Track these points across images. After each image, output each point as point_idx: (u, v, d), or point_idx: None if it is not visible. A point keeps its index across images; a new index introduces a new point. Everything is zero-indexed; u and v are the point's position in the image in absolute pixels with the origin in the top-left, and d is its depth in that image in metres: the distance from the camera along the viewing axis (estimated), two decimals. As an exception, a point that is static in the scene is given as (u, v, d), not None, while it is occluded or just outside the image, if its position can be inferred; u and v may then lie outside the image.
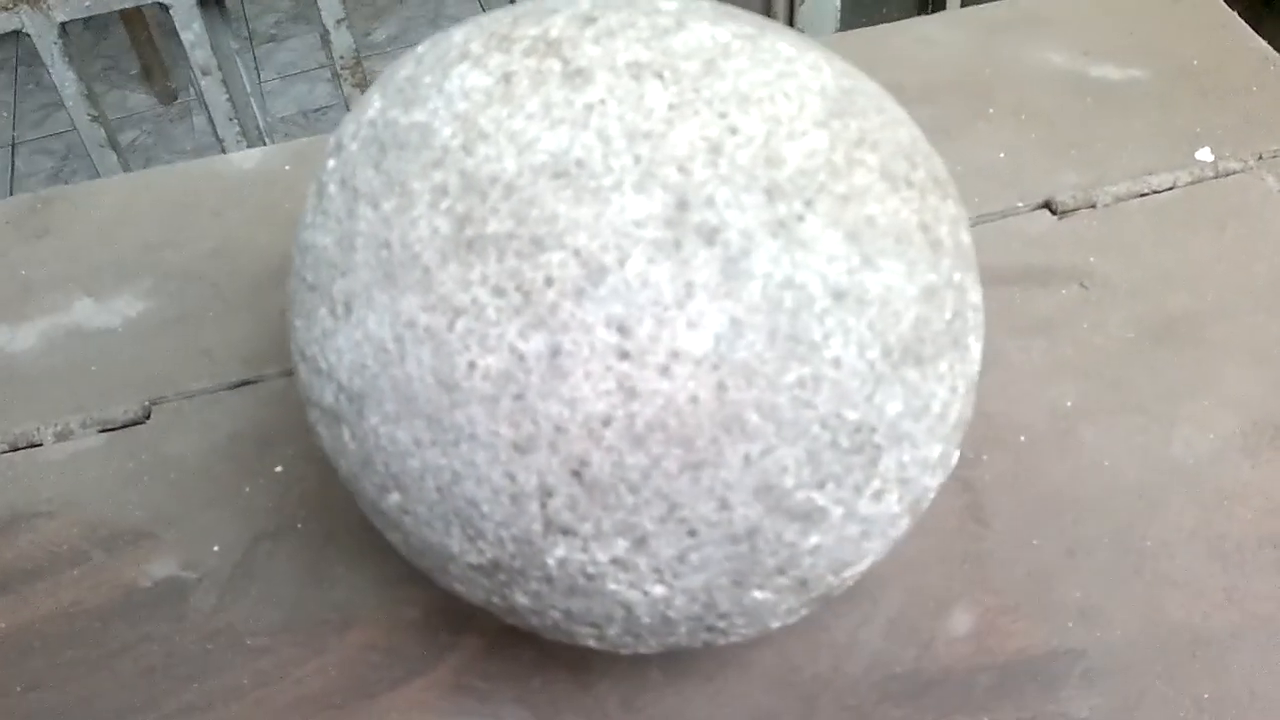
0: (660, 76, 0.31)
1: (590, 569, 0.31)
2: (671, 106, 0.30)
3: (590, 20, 0.33)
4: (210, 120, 0.87)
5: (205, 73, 0.83)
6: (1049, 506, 0.44)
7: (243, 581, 0.44)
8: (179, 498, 0.47)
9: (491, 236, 0.30)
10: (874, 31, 0.65)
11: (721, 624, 0.33)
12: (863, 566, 0.34)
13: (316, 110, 1.86)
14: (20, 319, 0.54)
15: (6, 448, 0.49)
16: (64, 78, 0.80)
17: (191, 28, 0.80)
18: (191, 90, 1.91)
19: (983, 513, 0.44)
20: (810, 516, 0.31)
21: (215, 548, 0.45)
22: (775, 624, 0.35)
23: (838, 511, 0.31)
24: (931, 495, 0.35)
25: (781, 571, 0.32)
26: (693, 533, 0.30)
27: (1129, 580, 0.42)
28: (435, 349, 0.30)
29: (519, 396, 0.30)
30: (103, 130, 0.84)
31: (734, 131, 0.30)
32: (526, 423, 0.30)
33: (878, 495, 0.32)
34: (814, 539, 0.32)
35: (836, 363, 0.30)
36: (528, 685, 0.41)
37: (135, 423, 0.49)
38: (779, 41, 0.33)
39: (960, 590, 0.42)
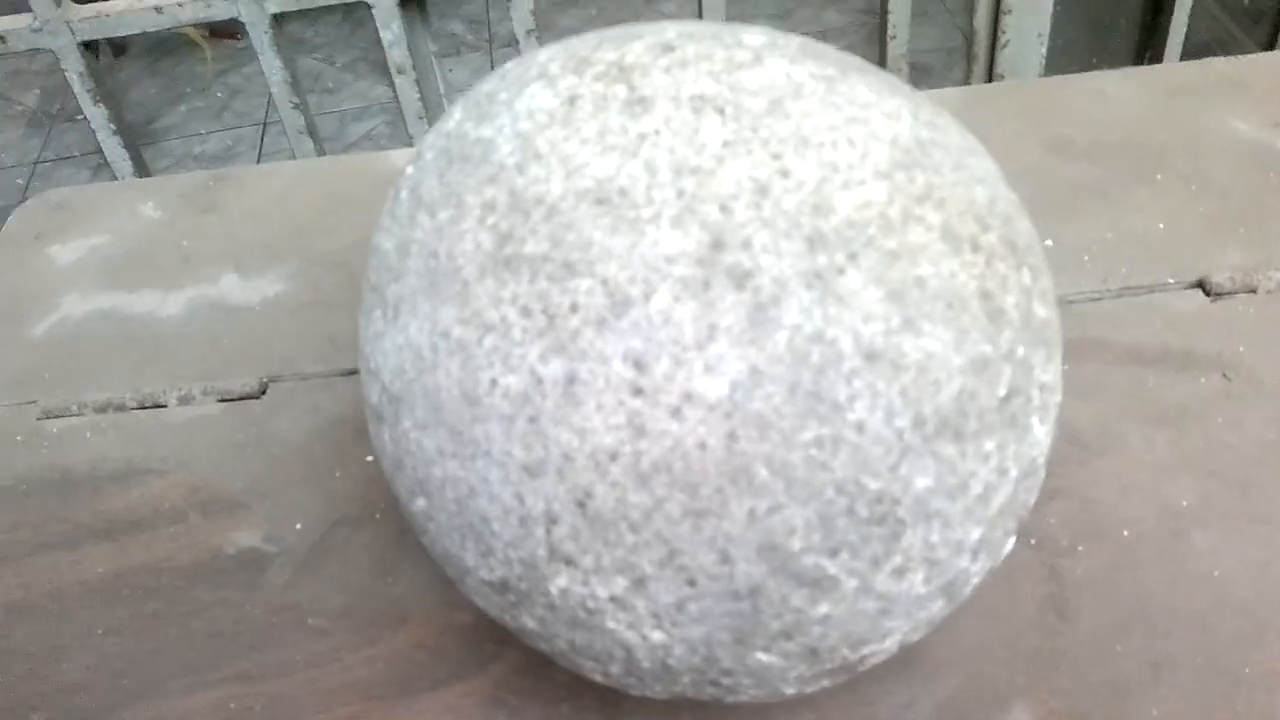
0: (721, 112, 0.30)
1: (590, 603, 0.31)
2: (726, 143, 0.30)
3: (668, 49, 0.32)
4: (402, 118, 0.91)
5: (400, 72, 0.87)
6: (1141, 612, 0.41)
7: (316, 562, 0.46)
8: (275, 473, 0.49)
9: (527, 257, 0.30)
10: (1050, 82, 0.62)
11: (726, 681, 0.32)
12: (887, 645, 0.32)
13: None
14: (173, 288, 0.58)
15: (135, 405, 0.52)
16: (271, 65, 0.85)
17: (391, 27, 0.84)
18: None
19: (1066, 607, 0.41)
20: (820, 584, 0.30)
21: (298, 525, 0.47)
22: (789, 690, 0.33)
23: (851, 583, 0.30)
24: (973, 581, 0.32)
25: (787, 636, 0.31)
26: (692, 582, 0.29)
27: (1216, 708, 0.38)
28: (464, 362, 0.31)
29: (533, 419, 0.29)
30: (302, 118, 0.89)
31: (785, 175, 0.29)
32: (538, 446, 0.29)
33: (899, 572, 0.30)
34: (823, 608, 0.30)
35: (860, 427, 0.28)
36: (557, 709, 0.41)
37: (251, 396, 0.52)
38: (859, 85, 0.32)
39: (1024, 686, 0.39)
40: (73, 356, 0.54)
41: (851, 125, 0.30)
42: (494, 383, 0.30)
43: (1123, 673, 0.40)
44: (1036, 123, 0.59)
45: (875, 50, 0.98)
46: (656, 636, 0.31)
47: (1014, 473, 0.31)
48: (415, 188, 0.34)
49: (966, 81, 0.97)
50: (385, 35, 0.85)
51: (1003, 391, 0.30)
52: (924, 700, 0.40)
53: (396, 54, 0.86)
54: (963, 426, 0.29)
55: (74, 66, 0.84)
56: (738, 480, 0.28)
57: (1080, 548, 0.43)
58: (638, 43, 0.33)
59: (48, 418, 0.52)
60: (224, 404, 0.52)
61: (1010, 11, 0.89)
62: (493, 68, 2.11)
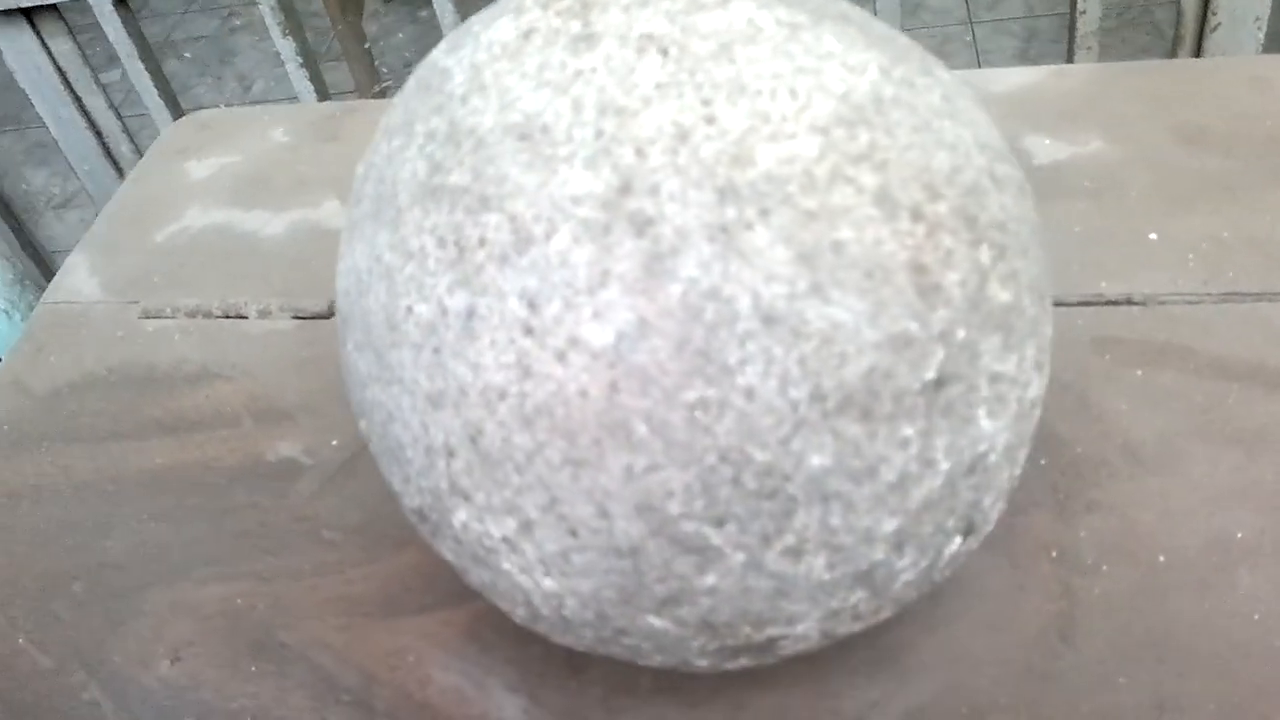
0: (665, 52, 0.29)
1: (486, 541, 0.31)
2: (659, 85, 0.28)
3: (638, -13, 0.31)
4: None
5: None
6: (1157, 646, 0.37)
7: (342, 478, 0.47)
8: (326, 390, 0.51)
9: (450, 188, 0.29)
10: (1205, 64, 0.56)
11: (627, 641, 0.31)
12: (801, 631, 0.30)
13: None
14: (281, 209, 0.61)
15: (220, 314, 0.55)
16: (443, 6, 0.88)
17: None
18: None
19: (1073, 628, 0.38)
20: (705, 553, 0.28)
21: (334, 442, 0.49)
22: (701, 663, 0.32)
23: (738, 557, 0.28)
24: (903, 576, 0.30)
25: (675, 603, 0.29)
26: (574, 532, 0.29)
27: (1213, 761, 0.34)
28: (389, 287, 0.31)
29: (437, 350, 0.29)
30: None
31: (710, 121, 0.28)
32: (439, 378, 0.29)
33: (794, 553, 0.28)
34: (709, 579, 0.29)
35: (749, 393, 0.27)
36: (527, 650, 0.41)
37: (321, 316, 0.54)
38: (827, 35, 0.30)
39: (1006, 705, 0.36)
40: (181, 264, 0.58)
41: (800, 75, 0.28)
42: (410, 310, 0.30)
43: (1120, 707, 0.36)
44: (1172, 106, 0.53)
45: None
46: (548, 584, 0.30)
47: (945, 466, 0.29)
48: (388, 114, 0.34)
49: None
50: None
51: (930, 375, 0.28)
52: (894, 701, 0.37)
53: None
54: (872, 407, 0.27)
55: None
56: (616, 434, 0.27)
57: (1105, 567, 0.39)
58: (613, -21, 0.32)
59: (146, 317, 0.56)
60: (297, 320, 0.54)
61: (1228, -10, 0.81)
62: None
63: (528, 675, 0.40)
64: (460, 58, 0.32)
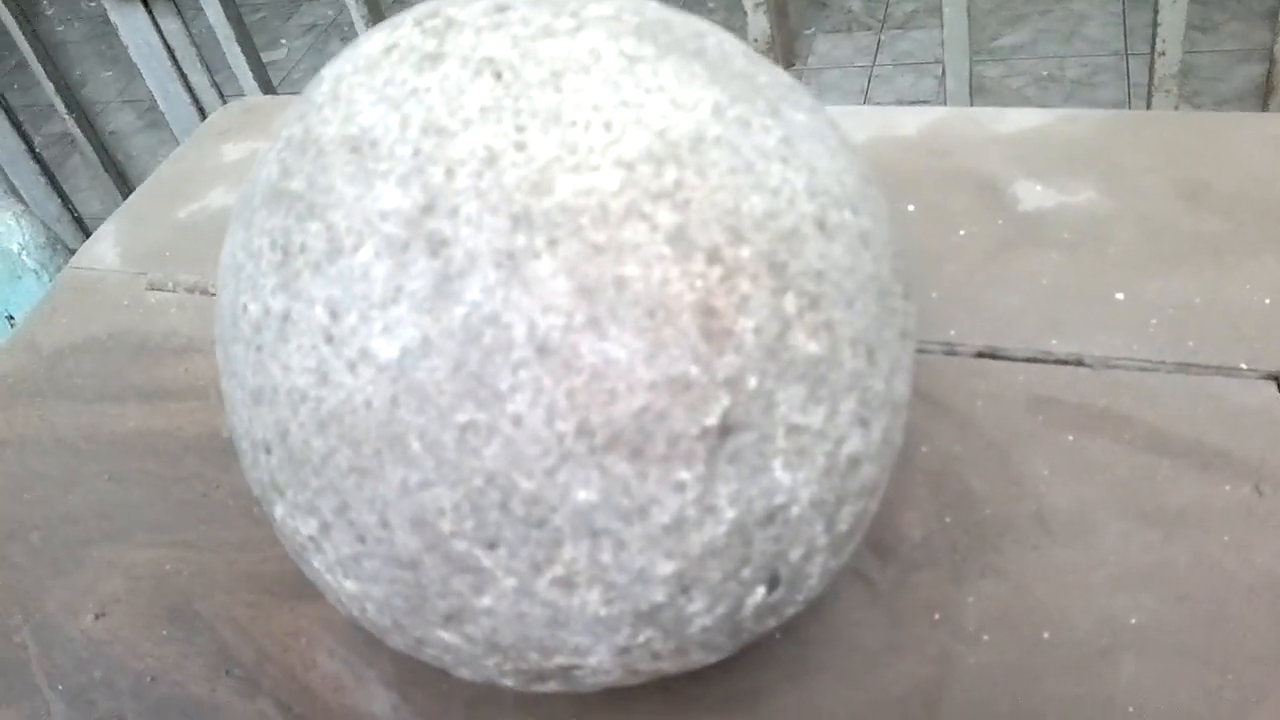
0: (499, 76, 0.29)
1: (299, 538, 0.31)
2: (483, 109, 0.29)
3: (501, 9, 0.31)
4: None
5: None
6: (1017, 725, 0.35)
7: (286, 461, 0.49)
8: (291, 375, 0.53)
9: (290, 192, 0.30)
10: (1222, 118, 0.53)
11: (430, 651, 0.32)
12: (592, 663, 0.30)
13: (912, 102, 1.85)
14: (295, 195, 0.63)
15: (214, 292, 0.58)
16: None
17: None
18: (809, 60, 2.00)
19: (940, 696, 0.36)
20: (479, 574, 0.28)
21: (286, 425, 0.50)
22: (508, 683, 0.32)
23: (509, 581, 0.28)
24: (697, 622, 0.30)
25: (459, 620, 0.30)
26: (361, 539, 0.29)
27: None
28: (234, 284, 0.32)
29: (259, 349, 0.30)
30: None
31: (520, 148, 0.28)
32: (260, 375, 0.30)
33: (565, 584, 0.28)
34: (486, 600, 0.29)
35: (517, 420, 0.27)
36: (407, 649, 0.41)
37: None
38: (666, 70, 0.29)
39: (848, 764, 0.35)
40: (193, 241, 0.61)
41: (621, 108, 0.28)
42: (245, 308, 0.31)
43: (966, 785, 0.34)
44: (1180, 161, 0.50)
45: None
46: (349, 586, 0.31)
47: (730, 514, 0.28)
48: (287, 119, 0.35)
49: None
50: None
51: (711, 421, 0.27)
52: (735, 745, 0.37)
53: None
54: (643, 447, 0.27)
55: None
56: (394, 446, 0.28)
57: (986, 637, 0.37)
58: (487, 1, 0.32)
59: (151, 289, 0.59)
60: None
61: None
62: (878, 49, 2.06)
63: (403, 672, 0.41)
64: (334, 67, 0.33)
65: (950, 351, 0.45)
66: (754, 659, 0.38)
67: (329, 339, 0.28)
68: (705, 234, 0.27)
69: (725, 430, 0.27)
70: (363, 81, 0.31)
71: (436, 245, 0.27)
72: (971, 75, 0.83)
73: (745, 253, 0.27)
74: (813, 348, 0.28)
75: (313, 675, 0.42)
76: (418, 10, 0.33)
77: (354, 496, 0.29)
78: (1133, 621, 0.37)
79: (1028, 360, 0.44)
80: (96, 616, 0.45)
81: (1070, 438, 0.41)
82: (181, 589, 0.45)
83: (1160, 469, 0.40)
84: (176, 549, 0.47)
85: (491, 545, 0.28)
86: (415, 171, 0.28)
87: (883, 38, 2.14)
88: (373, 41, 0.32)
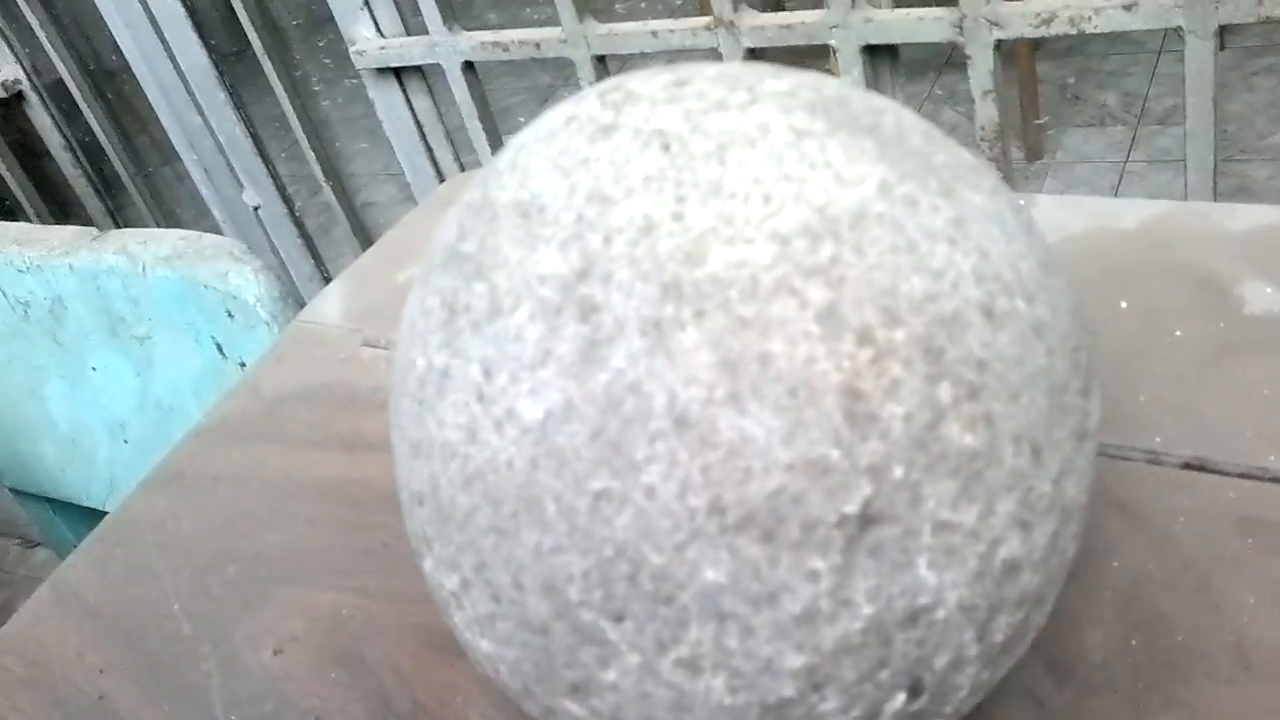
0: (667, 148, 0.29)
1: (442, 591, 0.32)
2: (647, 179, 0.29)
3: (681, 83, 0.32)
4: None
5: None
6: None
7: (465, 518, 0.50)
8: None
9: (462, 254, 0.31)
10: None
11: (559, 721, 0.31)
12: (718, 752, 0.29)
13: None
14: (504, 263, 0.65)
15: (420, 350, 0.60)
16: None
17: (851, 72, 0.86)
18: (1058, 155, 1.94)
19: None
20: (605, 646, 0.28)
21: (469, 484, 0.52)
22: (635, 762, 0.31)
23: (633, 659, 0.28)
24: (825, 719, 0.28)
25: (585, 693, 0.29)
26: (497, 599, 0.29)
27: None
28: (408, 341, 0.33)
29: (421, 403, 0.31)
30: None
31: (677, 218, 0.28)
32: (419, 429, 0.31)
33: (689, 666, 0.27)
34: (611, 674, 0.28)
35: (650, 492, 0.26)
36: (556, 717, 0.41)
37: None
38: (834, 145, 0.29)
39: None
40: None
41: (782, 182, 0.28)
42: (412, 362, 0.32)
43: None
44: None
45: None
46: (485, 645, 0.31)
47: (867, 610, 0.26)
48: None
49: None
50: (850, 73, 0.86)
51: (850, 509, 0.26)
52: None
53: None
54: (776, 530, 0.26)
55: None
56: (531, 509, 0.28)
57: (1170, 779, 0.34)
58: (666, 76, 0.33)
59: (366, 345, 0.62)
60: (478, 367, 0.58)
61: None
62: (1132, 145, 1.98)
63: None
64: (520, 137, 0.34)
65: (1154, 460, 0.42)
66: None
67: (480, 397, 0.29)
68: (857, 313, 0.26)
69: (866, 520, 0.26)
70: (541, 150, 0.32)
71: (587, 311, 0.28)
72: (1217, 171, 0.78)
73: (899, 335, 0.26)
74: (968, 440, 0.27)
75: (463, 733, 0.42)
76: (604, 84, 0.34)
77: (491, 556, 0.29)
78: None
79: (1240, 476, 0.40)
80: (275, 653, 0.47)
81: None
82: (353, 634, 0.47)
83: None
84: (354, 594, 0.49)
85: (618, 618, 0.27)
86: (575, 237, 0.29)
87: (1138, 133, 2.05)
88: (557, 113, 0.33)
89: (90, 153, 1.70)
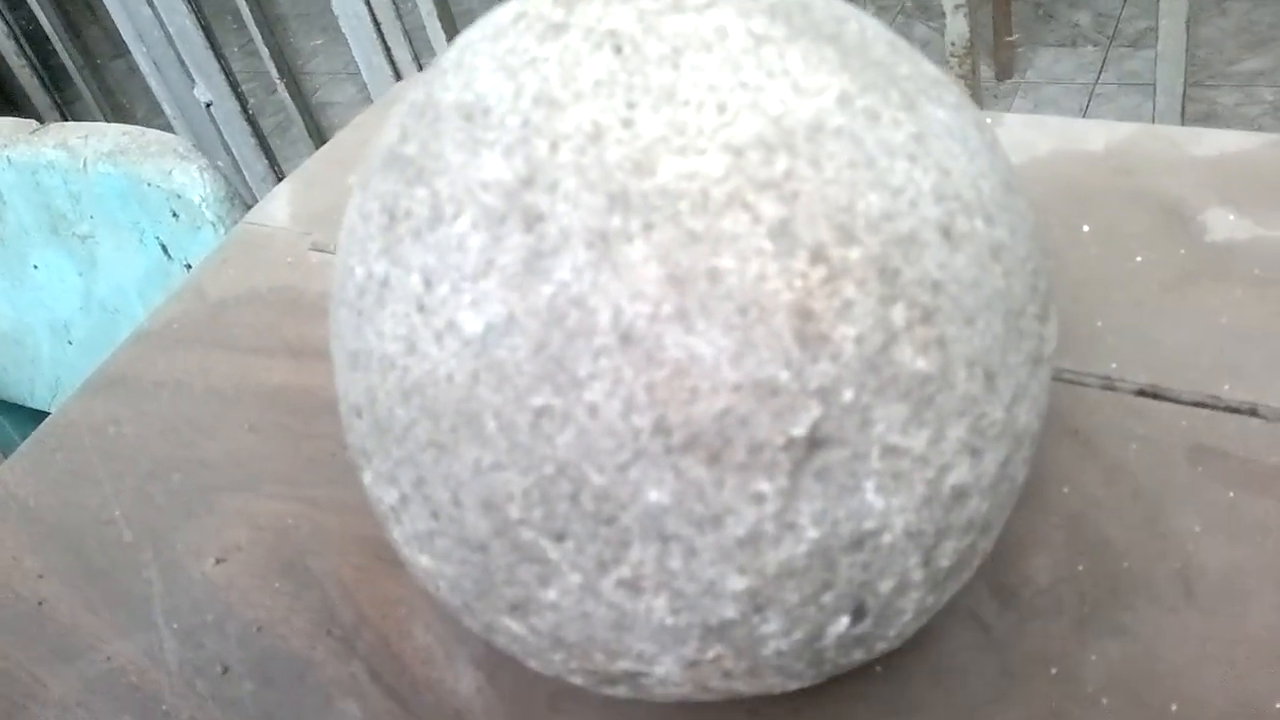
0: (619, 50, 0.28)
1: (381, 505, 0.31)
2: (597, 82, 0.27)
3: (636, -16, 0.30)
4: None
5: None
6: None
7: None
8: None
9: (404, 157, 0.30)
10: None
11: (499, 639, 0.31)
12: (658, 673, 0.29)
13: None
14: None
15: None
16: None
17: None
18: (1028, 74, 1.92)
19: (1045, 758, 0.33)
20: (545, 564, 0.27)
21: (418, 394, 0.51)
22: (575, 680, 0.31)
23: (574, 578, 0.27)
24: (771, 644, 0.28)
25: (524, 611, 0.29)
26: (435, 515, 0.29)
27: None
28: (347, 247, 0.32)
29: (359, 313, 0.30)
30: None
31: (627, 125, 0.27)
32: (359, 339, 0.30)
33: (631, 587, 0.27)
34: (551, 593, 0.28)
35: (593, 410, 0.25)
36: (500, 631, 0.41)
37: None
38: (794, 53, 0.27)
39: (935, 818, 0.33)
40: (358, 206, 0.63)
41: (739, 90, 0.27)
42: (352, 270, 0.31)
43: None
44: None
45: None
46: (424, 561, 0.30)
47: (812, 534, 0.26)
48: (416, 83, 0.35)
49: None
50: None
51: (798, 431, 0.25)
52: (821, 781, 0.34)
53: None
54: (722, 451, 0.25)
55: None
56: (471, 424, 0.27)
57: (1105, 700, 0.34)
58: (624, -26, 0.31)
59: (314, 249, 0.61)
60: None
61: None
62: (1103, 67, 1.95)
63: (492, 654, 0.40)
64: (468, 34, 0.32)
65: (1108, 387, 0.41)
66: (850, 691, 0.36)
67: (421, 308, 0.28)
68: (811, 230, 0.25)
69: (813, 443, 0.25)
70: (487, 49, 0.30)
71: (532, 220, 0.26)
72: (1185, 96, 0.77)
73: (854, 254, 0.25)
74: (920, 364, 0.26)
75: (406, 646, 0.42)
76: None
77: (430, 471, 0.28)
78: (1277, 707, 0.33)
79: (1194, 404, 0.40)
80: (217, 561, 0.47)
81: (1231, 494, 0.37)
82: (298, 544, 0.46)
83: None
84: (299, 504, 0.48)
85: (559, 537, 0.27)
86: (520, 142, 0.27)
87: (1109, 55, 2.03)
88: (507, 9, 0.32)
89: (35, 42, 1.64)
